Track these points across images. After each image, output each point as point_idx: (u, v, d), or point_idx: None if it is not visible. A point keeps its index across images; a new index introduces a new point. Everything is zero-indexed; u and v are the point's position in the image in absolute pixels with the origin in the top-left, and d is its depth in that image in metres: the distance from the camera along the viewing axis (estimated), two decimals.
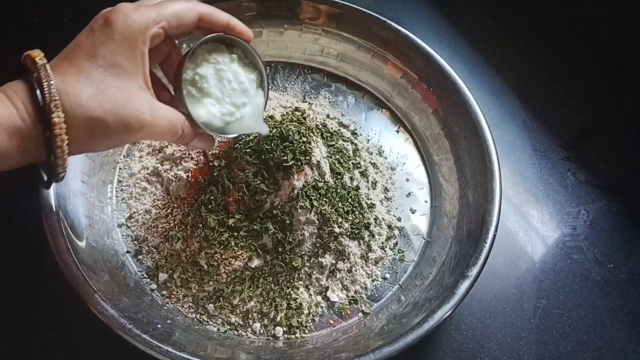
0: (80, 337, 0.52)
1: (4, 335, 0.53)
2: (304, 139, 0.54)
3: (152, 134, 0.42)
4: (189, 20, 0.43)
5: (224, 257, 0.54)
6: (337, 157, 0.60)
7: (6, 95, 0.36)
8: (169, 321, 0.51)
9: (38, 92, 0.36)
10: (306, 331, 0.54)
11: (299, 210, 0.54)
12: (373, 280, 0.58)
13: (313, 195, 0.54)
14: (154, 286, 0.55)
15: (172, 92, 0.48)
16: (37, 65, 0.37)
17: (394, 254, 0.60)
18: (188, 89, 0.46)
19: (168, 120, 0.43)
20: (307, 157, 0.54)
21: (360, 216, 0.58)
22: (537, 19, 0.84)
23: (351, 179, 0.60)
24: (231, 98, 0.48)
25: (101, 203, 0.59)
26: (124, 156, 0.64)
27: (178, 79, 0.45)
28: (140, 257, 0.57)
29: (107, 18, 0.39)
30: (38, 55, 0.38)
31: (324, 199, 0.55)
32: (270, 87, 0.71)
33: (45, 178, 0.41)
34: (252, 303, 0.54)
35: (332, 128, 0.65)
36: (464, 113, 0.62)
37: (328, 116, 0.69)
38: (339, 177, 0.58)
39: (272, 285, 0.54)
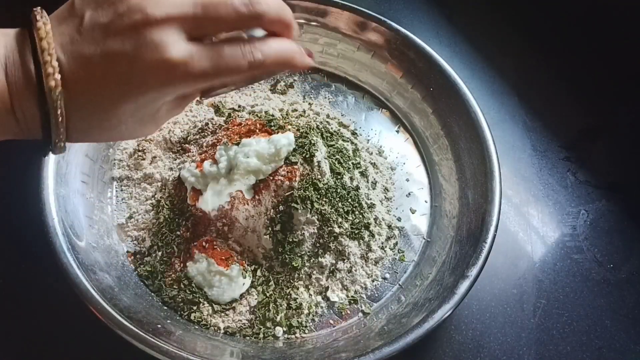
0: (80, 337, 0.52)
1: (4, 335, 0.53)
2: (306, 140, 0.55)
3: None
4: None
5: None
6: (337, 157, 0.60)
7: (8, 95, 0.31)
8: (169, 321, 0.51)
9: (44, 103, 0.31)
10: (306, 331, 0.54)
11: (299, 211, 0.54)
12: (373, 280, 0.58)
13: (313, 195, 0.54)
14: None
15: None
16: (51, 85, 0.30)
17: (394, 254, 0.60)
18: None
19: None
20: (309, 157, 0.54)
21: (360, 216, 0.58)
22: (538, 19, 0.84)
23: (351, 179, 0.60)
24: None
25: (101, 203, 0.59)
26: None
27: None
28: (139, 256, 0.57)
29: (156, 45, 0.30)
30: (51, 64, 0.30)
31: (324, 199, 0.55)
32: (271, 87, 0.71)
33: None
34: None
35: (332, 128, 0.65)
36: (464, 113, 0.62)
37: (328, 116, 0.69)
38: (339, 177, 0.58)
39: (272, 285, 0.54)
